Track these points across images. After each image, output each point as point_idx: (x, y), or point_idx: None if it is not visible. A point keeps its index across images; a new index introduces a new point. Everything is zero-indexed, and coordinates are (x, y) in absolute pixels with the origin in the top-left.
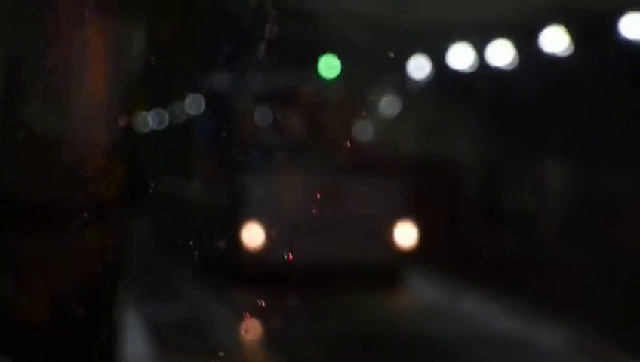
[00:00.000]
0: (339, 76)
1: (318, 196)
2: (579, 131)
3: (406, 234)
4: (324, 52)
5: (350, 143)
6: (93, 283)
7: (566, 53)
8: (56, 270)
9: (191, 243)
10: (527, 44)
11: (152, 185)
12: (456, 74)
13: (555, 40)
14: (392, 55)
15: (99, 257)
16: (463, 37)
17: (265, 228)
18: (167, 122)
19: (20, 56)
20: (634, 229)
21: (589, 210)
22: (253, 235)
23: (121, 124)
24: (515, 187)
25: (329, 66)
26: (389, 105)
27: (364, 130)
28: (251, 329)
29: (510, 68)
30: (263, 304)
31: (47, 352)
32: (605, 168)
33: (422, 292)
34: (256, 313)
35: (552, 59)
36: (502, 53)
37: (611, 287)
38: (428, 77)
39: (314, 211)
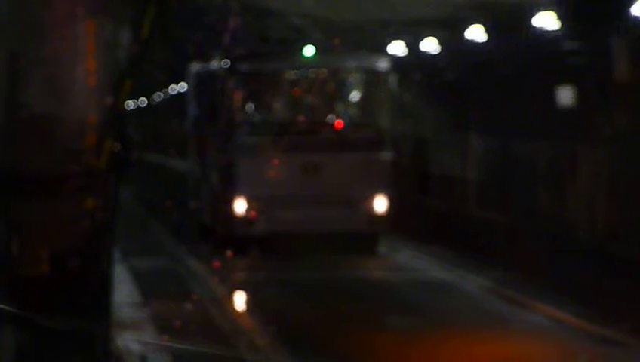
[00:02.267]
0: (315, 56)
1: (301, 172)
2: (496, 107)
3: (380, 203)
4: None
5: (330, 122)
6: (86, 239)
7: (485, 43)
8: (54, 229)
9: (170, 205)
10: (451, 36)
11: (136, 156)
12: (396, 60)
13: (475, 31)
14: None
15: (91, 217)
16: (398, 32)
17: (252, 201)
18: (151, 103)
19: (22, 49)
20: (543, 188)
21: (505, 174)
22: (241, 207)
23: (110, 106)
24: (443, 155)
25: (309, 50)
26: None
27: (342, 110)
28: (222, 278)
29: (438, 56)
30: (230, 255)
31: (48, 300)
32: (518, 138)
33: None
34: (226, 265)
35: (473, 48)
36: (431, 44)
37: (525, 240)
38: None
39: (297, 185)
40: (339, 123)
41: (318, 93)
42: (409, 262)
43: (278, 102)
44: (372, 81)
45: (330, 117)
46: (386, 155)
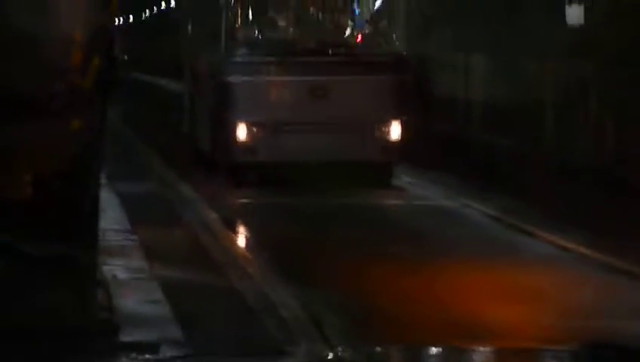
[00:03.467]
0: None
1: (307, 96)
2: (499, 27)
3: (395, 129)
4: None
5: (338, 41)
6: (71, 162)
7: None
8: (38, 151)
9: (161, 128)
10: None
11: (122, 75)
12: None
13: None
14: None
15: (77, 140)
16: None
17: (254, 127)
18: (140, 20)
19: None
20: (550, 111)
21: (510, 95)
22: (242, 133)
23: (97, 23)
24: (446, 75)
25: None
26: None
27: (351, 27)
28: (215, 204)
29: None
30: (225, 181)
31: (31, 225)
32: (524, 60)
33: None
34: (220, 191)
35: None
36: None
37: (531, 165)
38: None
39: (302, 111)
40: (369, 28)
41: (326, 7)
42: (410, 189)
43: (283, 17)
44: None
45: (341, 33)
46: (403, 77)
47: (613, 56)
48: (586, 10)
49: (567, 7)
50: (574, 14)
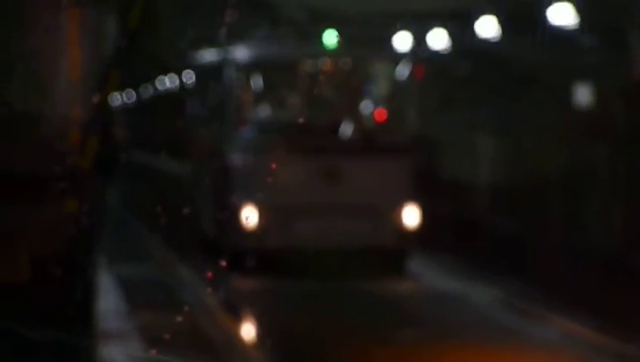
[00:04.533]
0: (339, 46)
1: (318, 178)
2: (508, 108)
3: (411, 215)
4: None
5: (351, 120)
6: (69, 245)
7: (497, 38)
8: (35, 234)
9: (160, 211)
10: (461, 31)
11: (123, 156)
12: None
13: (487, 26)
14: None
15: (75, 222)
16: (405, 24)
17: (262, 211)
18: (140, 99)
19: (1, 43)
20: (558, 194)
21: (517, 178)
22: (250, 217)
23: (95, 102)
24: (453, 157)
25: (330, 37)
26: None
27: (367, 106)
28: (215, 288)
29: (447, 52)
30: (222, 264)
31: (29, 309)
32: (533, 142)
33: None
34: (221, 275)
35: (485, 44)
36: (440, 39)
37: (539, 248)
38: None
39: (314, 194)
40: (383, 111)
41: (339, 86)
42: (417, 270)
43: (292, 97)
44: (400, 76)
45: (354, 114)
46: (414, 159)
47: (624, 136)
48: (595, 91)
49: (576, 87)
50: (583, 95)
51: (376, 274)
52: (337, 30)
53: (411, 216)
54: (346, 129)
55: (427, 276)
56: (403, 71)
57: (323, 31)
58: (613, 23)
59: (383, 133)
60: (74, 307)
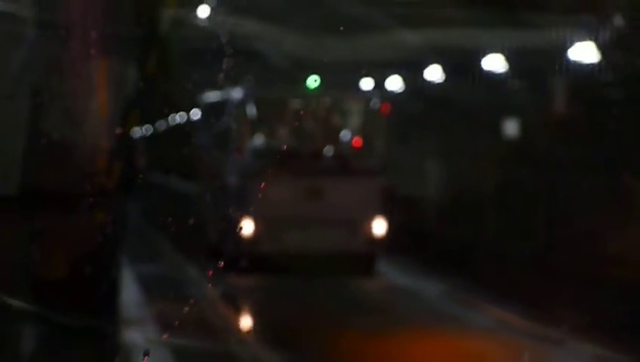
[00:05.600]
0: (320, 88)
1: (304, 195)
2: (451, 138)
3: (379, 226)
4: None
5: (332, 148)
6: (97, 248)
7: (442, 82)
8: (71, 240)
9: (171, 221)
10: (413, 76)
11: (142, 178)
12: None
13: (433, 73)
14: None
15: (102, 230)
16: (368, 72)
17: (256, 222)
18: (156, 131)
19: (43, 85)
20: (492, 210)
21: (460, 195)
22: (246, 227)
23: (119, 134)
24: (408, 178)
25: (313, 81)
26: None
27: (343, 136)
28: (217, 284)
29: (402, 94)
30: (222, 264)
31: (65, 300)
32: (471, 165)
33: None
34: (221, 273)
35: (432, 87)
36: (396, 83)
37: (476, 253)
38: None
39: (299, 208)
40: (357, 141)
41: (321, 120)
42: (382, 269)
43: (282, 129)
44: (370, 112)
45: (335, 143)
46: (382, 181)
47: (543, 160)
48: (520, 124)
49: (505, 121)
50: (511, 127)
51: (350, 274)
52: (316, 75)
53: (380, 226)
54: (327, 154)
55: (390, 274)
56: (374, 107)
57: (307, 76)
58: (537, 68)
59: (358, 158)
60: (101, 298)
